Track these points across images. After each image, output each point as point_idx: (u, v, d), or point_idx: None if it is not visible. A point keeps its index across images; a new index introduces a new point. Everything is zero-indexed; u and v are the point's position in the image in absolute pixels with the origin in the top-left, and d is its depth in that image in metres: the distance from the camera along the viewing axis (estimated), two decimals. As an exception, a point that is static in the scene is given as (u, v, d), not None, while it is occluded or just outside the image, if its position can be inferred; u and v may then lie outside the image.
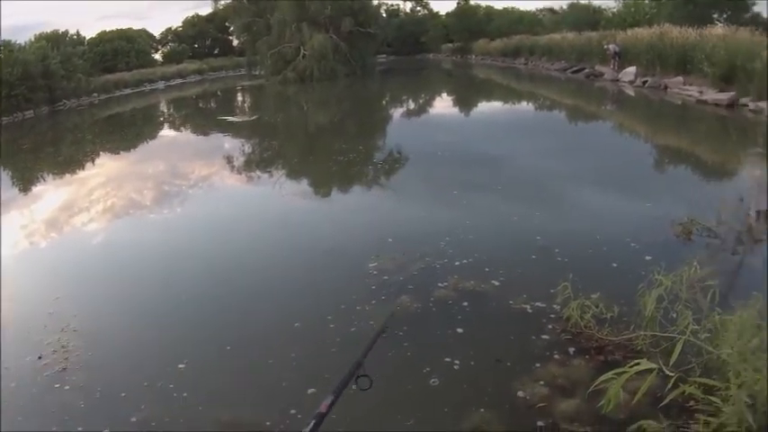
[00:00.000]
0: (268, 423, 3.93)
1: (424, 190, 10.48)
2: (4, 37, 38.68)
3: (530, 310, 5.17)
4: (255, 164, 15.01)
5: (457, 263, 6.43)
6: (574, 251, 6.54)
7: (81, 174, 15.86)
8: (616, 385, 3.15)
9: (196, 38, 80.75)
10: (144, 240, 8.96)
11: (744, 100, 17.53)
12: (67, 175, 15.90)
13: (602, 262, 6.20)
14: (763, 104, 16.19)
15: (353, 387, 1.02)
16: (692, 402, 3.43)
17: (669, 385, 3.25)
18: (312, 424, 0.56)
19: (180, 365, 4.77)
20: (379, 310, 5.38)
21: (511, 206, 8.84)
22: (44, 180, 15.77)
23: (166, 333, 5.57)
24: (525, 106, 24.42)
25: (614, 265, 6.08)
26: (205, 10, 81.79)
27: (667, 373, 3.29)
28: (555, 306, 5.08)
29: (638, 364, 3.17)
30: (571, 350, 4.43)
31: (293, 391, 4.22)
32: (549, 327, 4.83)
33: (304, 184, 12.16)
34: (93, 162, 17.84)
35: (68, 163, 18.26)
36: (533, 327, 4.86)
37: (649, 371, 3.16)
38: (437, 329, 5.00)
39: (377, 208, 9.74)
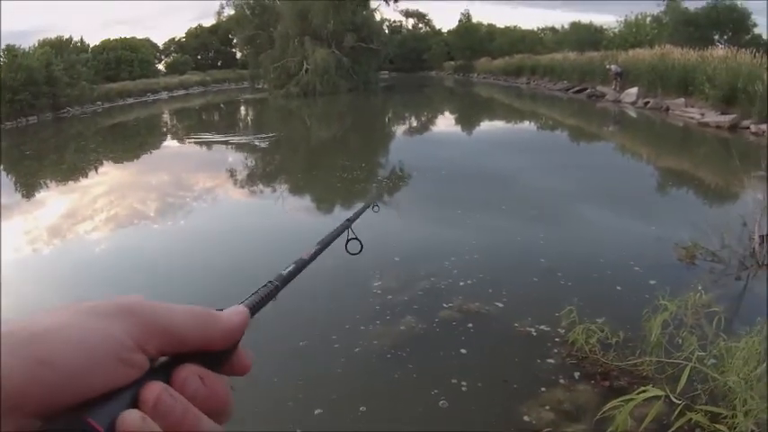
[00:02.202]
0: None
1: (428, 208, 10.54)
2: (7, 41, 38.74)
3: (534, 334, 5.16)
4: (258, 178, 15.06)
5: (461, 283, 6.42)
6: (577, 273, 6.58)
7: (84, 182, 15.88)
8: (624, 412, 3.16)
9: (199, 49, 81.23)
10: (146, 250, 8.97)
11: (746, 122, 17.61)
12: (71, 183, 15.91)
13: (605, 285, 6.21)
14: (764, 127, 16.27)
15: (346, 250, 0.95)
16: (697, 430, 3.42)
17: (676, 413, 3.24)
18: (292, 268, 0.54)
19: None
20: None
21: (514, 225, 8.88)
22: (47, 187, 15.78)
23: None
24: (528, 126, 24.63)
25: (618, 288, 6.11)
26: (208, 21, 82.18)
27: (674, 400, 3.29)
28: (560, 330, 5.08)
29: (645, 390, 3.17)
30: (576, 375, 4.43)
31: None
32: (555, 351, 4.82)
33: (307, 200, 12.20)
34: (96, 171, 17.86)
35: (72, 171, 18.25)
36: (538, 350, 4.86)
37: (656, 398, 3.15)
38: (441, 351, 5.00)
39: (382, 226, 9.15)
